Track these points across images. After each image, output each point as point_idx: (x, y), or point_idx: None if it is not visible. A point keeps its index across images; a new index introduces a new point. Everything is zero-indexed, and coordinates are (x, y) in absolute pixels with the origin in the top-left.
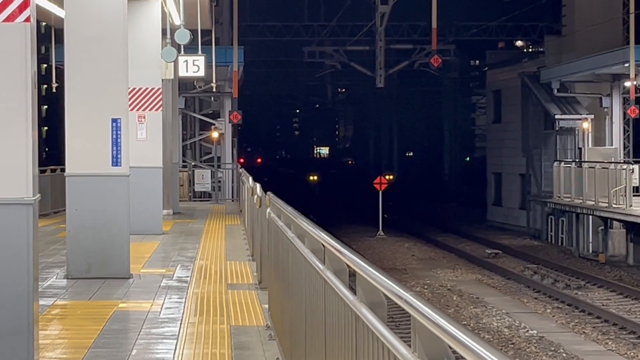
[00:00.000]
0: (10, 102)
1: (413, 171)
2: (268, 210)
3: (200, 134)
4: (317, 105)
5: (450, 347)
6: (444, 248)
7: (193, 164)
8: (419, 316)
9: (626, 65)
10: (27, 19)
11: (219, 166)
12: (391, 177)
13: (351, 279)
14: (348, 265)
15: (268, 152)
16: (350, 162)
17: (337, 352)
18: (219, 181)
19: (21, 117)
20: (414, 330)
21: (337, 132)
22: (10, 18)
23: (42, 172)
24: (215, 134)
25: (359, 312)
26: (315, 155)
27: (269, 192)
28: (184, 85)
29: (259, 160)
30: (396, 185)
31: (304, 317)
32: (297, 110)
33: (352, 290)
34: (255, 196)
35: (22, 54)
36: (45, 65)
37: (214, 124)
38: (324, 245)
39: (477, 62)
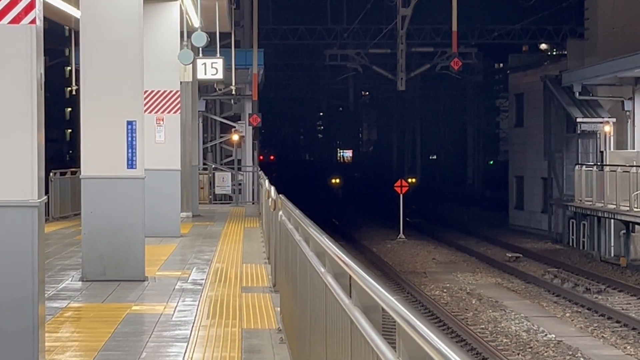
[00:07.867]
0: (15, 105)
1: (436, 174)
2: (280, 213)
3: (221, 137)
4: (341, 109)
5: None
6: (464, 251)
7: (214, 166)
8: (402, 322)
9: None
10: (33, 21)
11: (239, 169)
12: (414, 180)
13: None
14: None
15: (289, 154)
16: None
17: (336, 356)
18: (240, 184)
19: (26, 120)
20: (398, 335)
21: (360, 135)
22: (15, 20)
23: (62, 174)
24: (235, 137)
25: (352, 316)
26: (338, 159)
27: (280, 195)
28: (204, 88)
29: (272, 157)
30: (420, 189)
31: (308, 320)
32: (321, 114)
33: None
34: (270, 199)
35: (27, 57)
36: (69, 68)
37: (235, 127)
38: (324, 249)
39: (501, 65)
